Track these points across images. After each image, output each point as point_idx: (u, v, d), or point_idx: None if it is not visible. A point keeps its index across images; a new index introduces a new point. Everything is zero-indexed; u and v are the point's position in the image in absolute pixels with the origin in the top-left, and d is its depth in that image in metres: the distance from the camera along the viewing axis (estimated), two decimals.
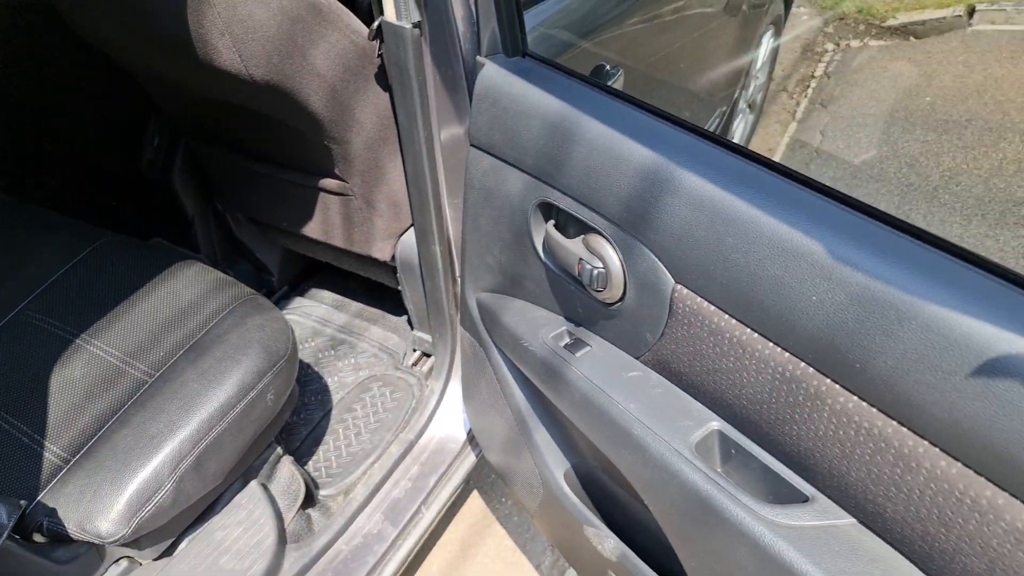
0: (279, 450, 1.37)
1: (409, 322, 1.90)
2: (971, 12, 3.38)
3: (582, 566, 1.24)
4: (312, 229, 1.65)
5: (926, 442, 0.64)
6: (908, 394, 0.62)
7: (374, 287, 1.99)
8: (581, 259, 0.90)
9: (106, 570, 1.15)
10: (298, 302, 2.03)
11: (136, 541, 1.14)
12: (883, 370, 0.64)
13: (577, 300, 1.00)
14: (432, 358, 1.78)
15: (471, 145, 1.04)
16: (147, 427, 1.11)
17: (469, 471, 1.55)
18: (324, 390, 1.75)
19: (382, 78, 1.29)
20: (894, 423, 0.65)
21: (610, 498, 1.16)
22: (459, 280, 1.44)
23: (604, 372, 0.96)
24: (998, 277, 0.62)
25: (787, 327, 0.71)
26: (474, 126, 1.01)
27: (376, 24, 1.15)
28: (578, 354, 1.00)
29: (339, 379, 1.78)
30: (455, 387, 1.56)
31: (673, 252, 0.80)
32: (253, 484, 1.30)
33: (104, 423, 1.15)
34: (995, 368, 0.58)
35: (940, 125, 2.82)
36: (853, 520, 0.76)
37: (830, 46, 3.46)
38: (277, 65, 1.16)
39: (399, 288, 1.72)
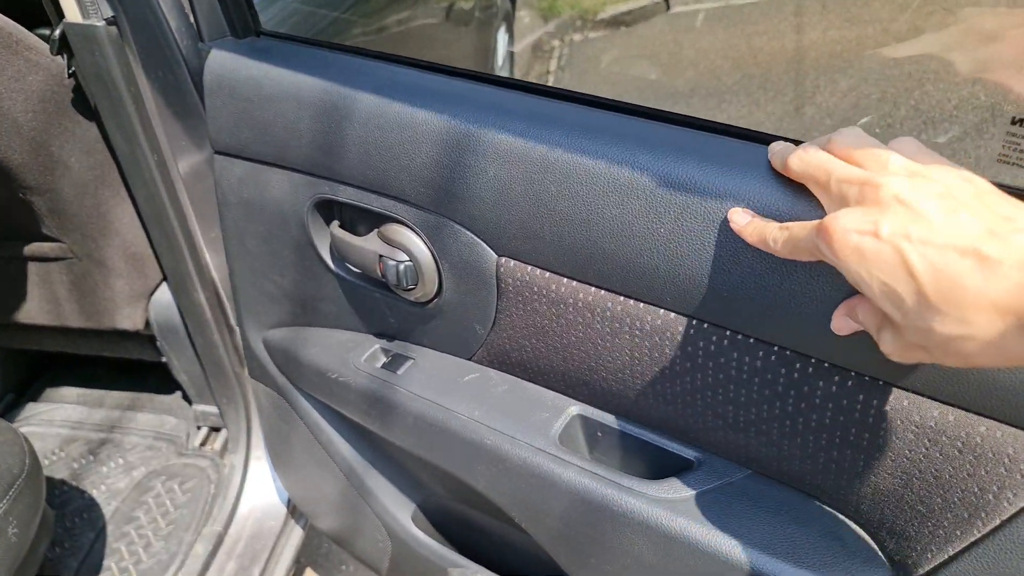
0: None
1: (185, 397, 1.61)
2: None
3: None
4: (29, 313, 1.32)
5: (824, 364, 0.57)
6: (794, 310, 0.55)
7: (131, 366, 1.67)
8: (381, 256, 0.75)
9: None
10: (32, 409, 1.64)
11: None
12: (755, 293, 0.56)
13: (386, 309, 0.85)
14: (223, 431, 1.52)
15: (215, 152, 0.84)
16: None
17: (298, 547, 1.32)
18: (90, 506, 1.41)
19: (82, 103, 1.04)
20: (776, 348, 0.58)
21: (470, 528, 1.02)
22: (236, 327, 1.22)
23: (435, 384, 0.82)
24: None
25: (636, 273, 0.62)
26: (214, 127, 0.82)
27: (58, 31, 0.91)
28: (400, 371, 0.84)
29: (108, 487, 1.45)
30: (260, 454, 1.32)
31: (490, 220, 0.68)
32: None
33: None
34: None
35: (670, 97, 3.04)
36: (748, 472, 0.69)
37: (556, 43, 3.62)
38: None
39: (163, 360, 1.44)
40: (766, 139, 0.57)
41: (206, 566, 1.21)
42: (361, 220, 0.81)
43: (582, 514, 0.72)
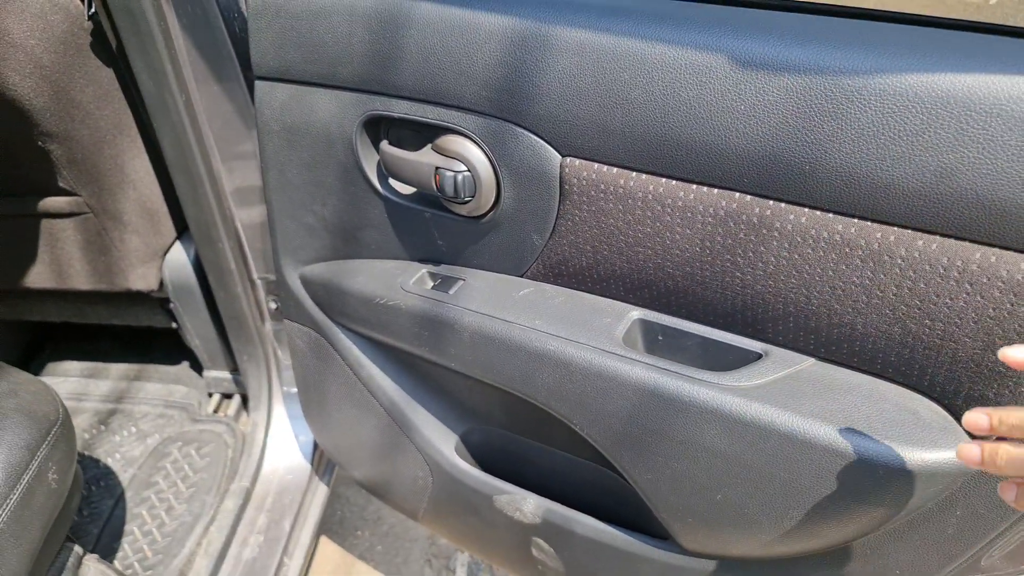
0: (78, 549, 1.03)
1: (194, 366, 1.59)
2: None
3: (502, 551, 1.08)
4: (37, 277, 1.29)
5: (907, 230, 0.60)
6: (879, 179, 0.58)
7: (136, 337, 1.64)
8: (438, 167, 0.76)
9: None
10: None
11: None
12: (836, 162, 0.59)
13: (435, 230, 0.86)
14: (235, 397, 1.50)
15: (257, 77, 0.84)
16: None
17: (325, 504, 1.32)
18: (107, 474, 1.39)
19: (101, 47, 1.02)
20: (856, 220, 0.61)
21: (513, 458, 1.03)
22: (257, 281, 1.21)
23: (490, 300, 0.83)
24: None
25: (714, 157, 0.64)
26: (257, 50, 0.82)
27: None
28: (452, 291, 0.85)
29: (123, 455, 1.42)
30: (282, 412, 1.31)
31: (556, 118, 0.69)
32: None
33: None
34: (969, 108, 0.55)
35: None
36: (812, 360, 0.71)
37: None
38: None
39: (174, 326, 1.42)
40: (846, 12, 0.60)
41: (237, 520, 1.20)
42: (410, 138, 0.81)
43: (651, 410, 0.73)
